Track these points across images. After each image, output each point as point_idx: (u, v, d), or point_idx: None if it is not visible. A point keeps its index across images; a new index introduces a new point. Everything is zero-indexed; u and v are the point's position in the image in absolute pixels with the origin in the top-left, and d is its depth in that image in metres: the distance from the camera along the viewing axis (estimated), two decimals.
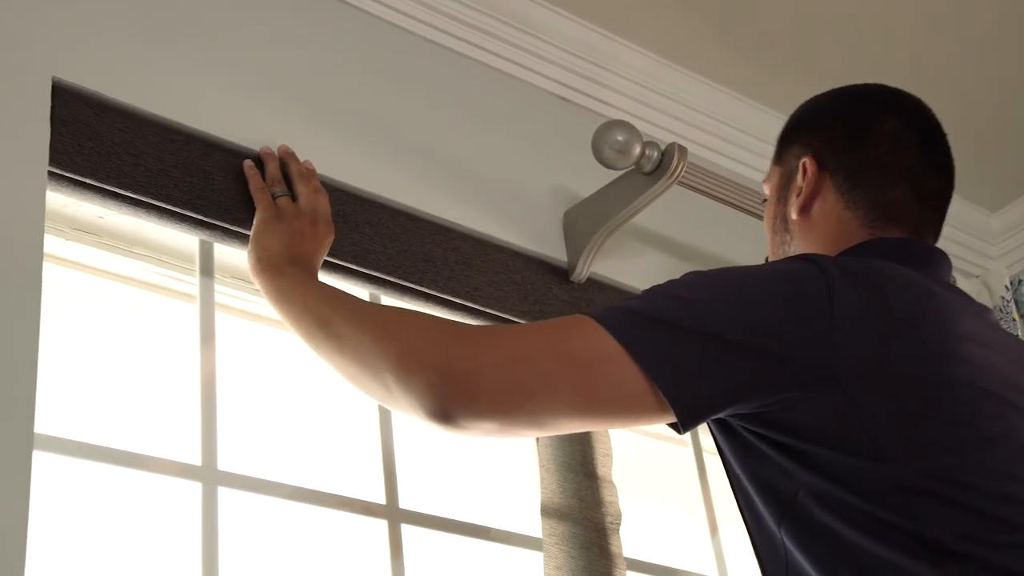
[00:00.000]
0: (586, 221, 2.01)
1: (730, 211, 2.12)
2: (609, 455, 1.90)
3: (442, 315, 1.82)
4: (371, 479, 1.78)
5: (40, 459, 1.39)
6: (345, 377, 1.30)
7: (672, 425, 1.19)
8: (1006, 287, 2.62)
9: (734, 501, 1.28)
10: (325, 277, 1.71)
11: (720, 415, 1.20)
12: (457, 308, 1.85)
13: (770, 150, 2.47)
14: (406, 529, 1.74)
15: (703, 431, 1.76)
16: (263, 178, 1.66)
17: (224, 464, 1.59)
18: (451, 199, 1.92)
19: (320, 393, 1.86)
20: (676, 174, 1.93)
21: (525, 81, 2.19)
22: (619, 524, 1.84)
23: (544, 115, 2.19)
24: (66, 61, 1.59)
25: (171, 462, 1.56)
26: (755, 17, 2.27)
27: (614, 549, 1.81)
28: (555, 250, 2.02)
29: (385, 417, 1.82)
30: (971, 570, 1.11)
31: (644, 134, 1.95)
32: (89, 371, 1.70)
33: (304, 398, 1.92)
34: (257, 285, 1.53)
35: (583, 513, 1.80)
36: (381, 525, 1.73)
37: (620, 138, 1.91)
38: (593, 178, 2.03)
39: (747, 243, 2.30)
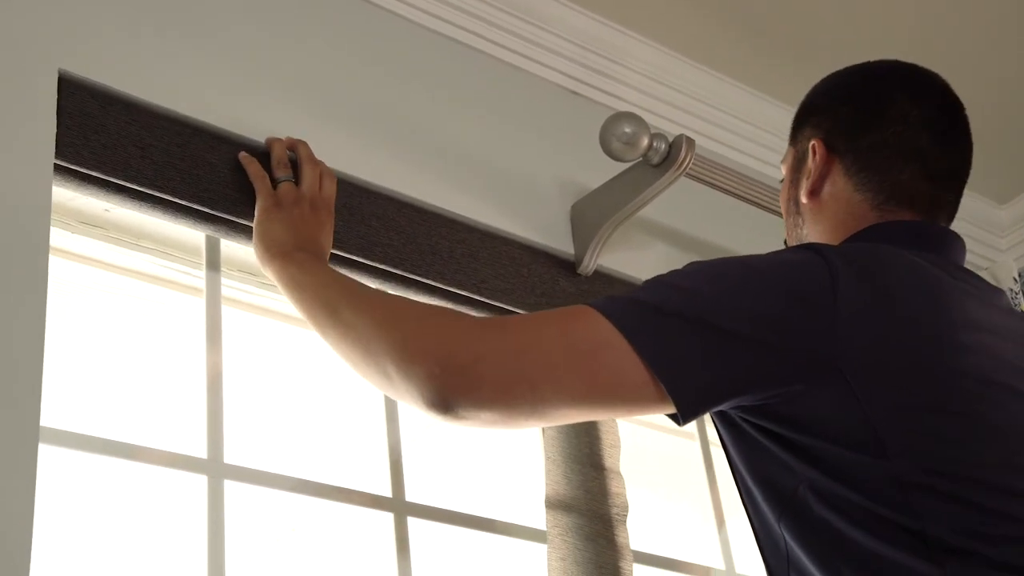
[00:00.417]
0: (593, 213, 2.01)
1: (738, 203, 2.11)
2: (616, 446, 1.89)
3: (449, 308, 1.82)
4: (377, 472, 1.78)
5: (46, 452, 1.39)
6: (349, 364, 1.30)
7: (672, 416, 1.18)
8: (1014, 279, 2.62)
9: (738, 495, 1.28)
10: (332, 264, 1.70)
11: (721, 407, 1.19)
12: (463, 300, 1.85)
13: (777, 142, 2.49)
14: (412, 522, 1.74)
15: (710, 424, 1.76)
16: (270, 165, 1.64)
17: (230, 457, 1.59)
18: (458, 191, 1.92)
19: (326, 386, 1.86)
20: (684, 166, 1.92)
21: (533, 74, 2.18)
22: (626, 515, 1.84)
23: (552, 107, 2.18)
24: (72, 54, 1.59)
25: (177, 455, 1.56)
26: (763, 10, 2.26)
27: (621, 540, 1.81)
28: (562, 243, 2.02)
29: (391, 410, 1.82)
30: (972, 567, 1.10)
31: (652, 126, 1.94)
32: (95, 365, 1.70)
33: (310, 391, 1.92)
34: (267, 274, 1.52)
35: (589, 504, 1.80)
36: (387, 518, 1.73)
37: (628, 130, 1.90)
38: (601, 170, 2.02)
39: (755, 235, 2.29)
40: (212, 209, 1.62)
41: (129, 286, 1.75)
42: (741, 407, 1.19)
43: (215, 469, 1.57)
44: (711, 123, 2.39)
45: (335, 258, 1.72)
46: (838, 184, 1.40)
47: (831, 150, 1.41)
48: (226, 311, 1.70)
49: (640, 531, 1.94)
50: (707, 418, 1.35)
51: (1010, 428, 1.17)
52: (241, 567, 1.61)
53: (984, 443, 1.16)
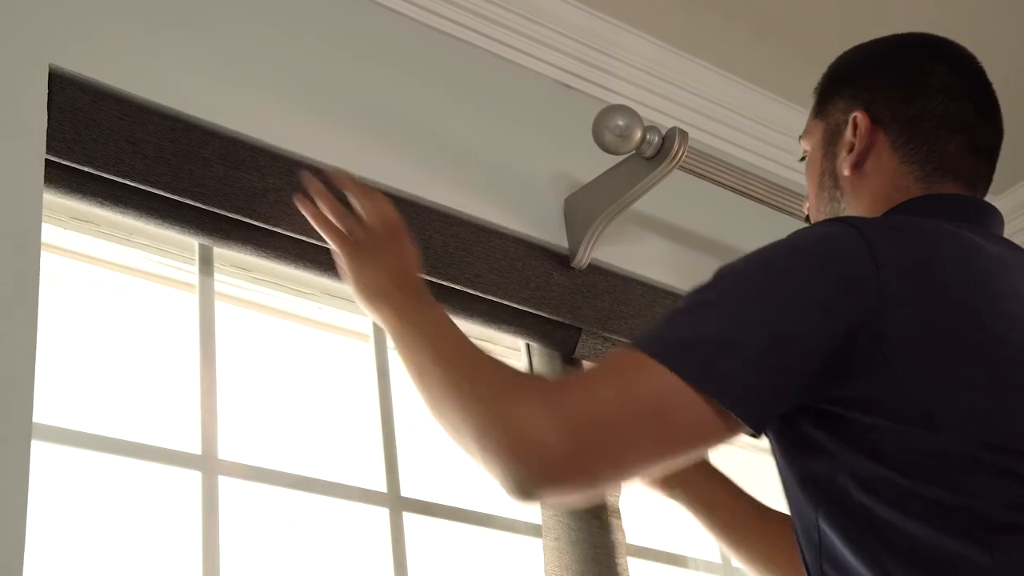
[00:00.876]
0: (587, 207, 2.00)
1: (732, 196, 2.11)
2: None
3: (442, 302, 1.82)
4: (372, 467, 1.78)
5: (39, 449, 1.39)
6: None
7: (748, 432, 1.17)
8: None
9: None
10: (324, 264, 1.70)
11: (789, 407, 1.17)
12: (457, 295, 1.84)
13: (771, 134, 2.49)
14: (407, 517, 1.74)
15: None
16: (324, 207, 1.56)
17: (224, 453, 1.59)
18: (452, 186, 1.91)
19: (320, 382, 1.86)
20: (677, 159, 1.92)
21: (525, 67, 2.18)
22: (618, 508, 1.84)
23: (545, 101, 2.18)
24: (63, 48, 1.58)
25: (171, 451, 1.56)
26: (757, 3, 2.26)
27: (616, 535, 1.80)
28: (556, 236, 2.01)
29: (386, 405, 1.81)
30: (1018, 543, 1.09)
31: (645, 119, 1.94)
32: (88, 360, 1.69)
33: (304, 387, 1.92)
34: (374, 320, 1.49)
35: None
36: (383, 513, 1.73)
37: (621, 123, 1.90)
38: (594, 164, 2.02)
39: (749, 227, 2.29)
40: (204, 204, 1.61)
41: (122, 282, 1.74)
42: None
43: (209, 465, 1.56)
44: (704, 116, 2.38)
45: (328, 253, 1.71)
46: (883, 156, 1.37)
47: (875, 120, 1.37)
48: (219, 306, 1.70)
49: (636, 524, 1.94)
50: None
51: None
52: (236, 563, 1.61)
53: None
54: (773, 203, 2.10)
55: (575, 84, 2.23)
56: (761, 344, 1.14)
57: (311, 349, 2.15)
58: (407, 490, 1.76)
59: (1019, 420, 1.14)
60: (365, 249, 1.51)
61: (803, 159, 1.49)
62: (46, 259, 1.51)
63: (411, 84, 1.98)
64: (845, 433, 1.15)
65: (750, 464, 1.88)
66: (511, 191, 2.00)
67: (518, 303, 1.89)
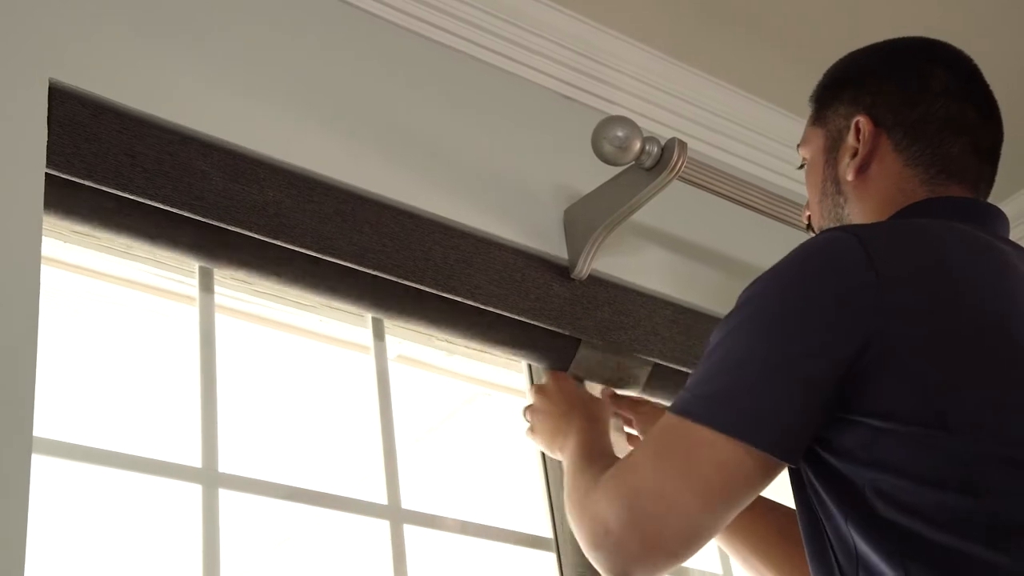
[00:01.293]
0: (587, 218, 2.00)
1: (731, 206, 2.11)
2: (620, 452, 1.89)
3: (442, 313, 1.82)
4: (373, 480, 1.78)
5: (39, 463, 1.39)
6: None
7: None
8: None
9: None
10: (323, 277, 1.71)
11: (818, 426, 1.19)
12: (457, 306, 1.84)
13: (771, 144, 2.49)
14: (408, 529, 1.73)
15: None
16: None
17: (225, 466, 1.58)
18: (451, 197, 1.92)
19: (321, 394, 1.86)
20: (676, 170, 1.92)
21: (525, 78, 2.18)
22: None
23: (544, 112, 2.18)
24: (63, 62, 1.58)
25: (172, 464, 1.56)
26: (756, 13, 2.26)
27: None
28: (556, 247, 2.01)
29: (386, 417, 1.81)
30: None
31: (644, 130, 1.94)
32: (88, 374, 1.69)
33: (305, 400, 1.92)
34: None
35: None
36: (383, 526, 1.72)
37: (620, 134, 1.90)
38: (594, 175, 2.02)
39: (748, 238, 2.29)
40: (204, 216, 1.61)
41: (122, 295, 1.75)
42: None
43: (210, 478, 1.56)
44: (704, 126, 2.39)
45: (327, 264, 1.72)
46: (887, 160, 1.37)
47: (878, 124, 1.37)
48: (220, 319, 1.70)
49: None
50: None
51: None
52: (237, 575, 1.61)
53: None
54: (772, 213, 2.10)
55: (574, 95, 2.24)
56: (784, 388, 1.17)
57: (312, 361, 2.15)
58: (408, 502, 1.76)
59: None
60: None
61: (802, 167, 1.48)
62: (46, 273, 1.51)
63: (411, 96, 1.98)
64: (863, 442, 1.16)
65: None
66: (511, 202, 2.00)
67: (518, 314, 1.89)
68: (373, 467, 1.79)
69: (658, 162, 1.92)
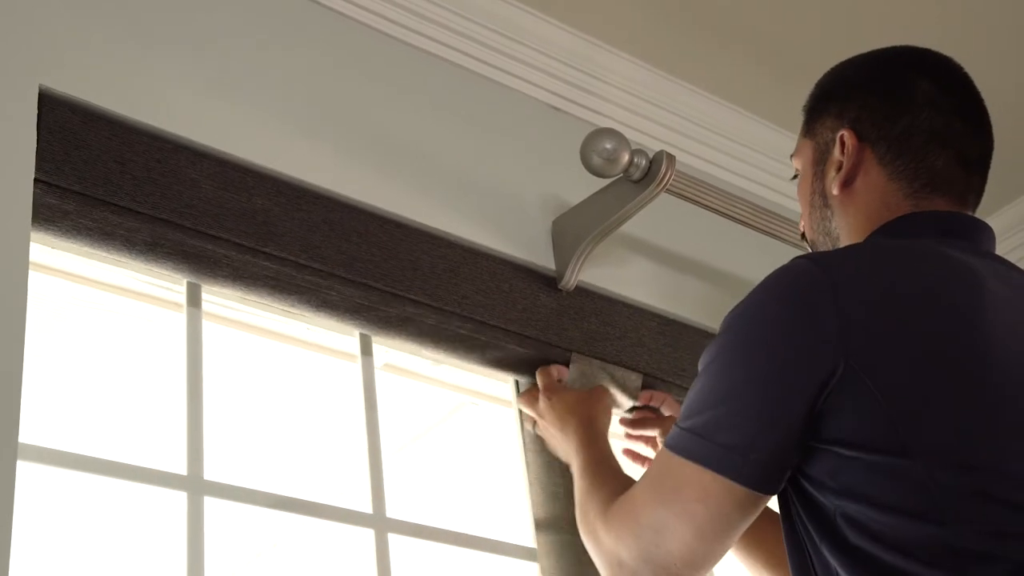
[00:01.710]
0: (574, 229, 2.01)
1: (719, 219, 2.12)
2: None
3: (430, 322, 1.82)
4: (358, 488, 1.78)
5: (24, 469, 1.39)
6: None
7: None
8: None
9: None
10: (311, 283, 1.71)
11: (795, 458, 1.21)
12: (445, 315, 1.85)
13: (759, 158, 2.50)
14: (393, 539, 1.74)
15: None
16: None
17: (210, 474, 1.58)
18: (439, 207, 1.92)
19: (307, 402, 1.86)
20: (664, 182, 1.93)
21: (514, 89, 2.19)
22: None
23: (533, 123, 2.19)
24: (53, 69, 1.59)
25: (157, 472, 1.56)
26: (745, 27, 2.27)
27: None
28: (543, 258, 2.02)
29: (372, 425, 1.81)
30: (995, 572, 1.09)
31: (633, 142, 1.95)
32: (75, 380, 1.69)
33: (291, 408, 1.92)
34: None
35: (574, 525, 1.79)
36: (368, 534, 1.72)
37: (608, 146, 1.90)
38: (582, 186, 2.02)
39: (735, 250, 2.30)
40: (193, 224, 1.62)
41: (109, 301, 1.74)
42: None
43: (195, 485, 1.56)
44: (692, 139, 2.39)
45: (316, 272, 1.72)
46: (871, 173, 1.37)
47: (862, 138, 1.37)
48: (207, 326, 1.70)
49: None
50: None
51: None
52: None
53: (1010, 437, 1.15)
54: (760, 226, 2.11)
55: (563, 107, 2.24)
56: (758, 422, 1.20)
57: (298, 369, 2.15)
58: (393, 511, 1.76)
59: (998, 442, 1.14)
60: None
61: (795, 178, 1.49)
62: (34, 278, 1.51)
63: (400, 105, 1.99)
64: (832, 470, 1.17)
65: None
66: (499, 213, 2.00)
67: (504, 324, 1.90)
68: (358, 476, 1.79)
69: (646, 174, 1.93)
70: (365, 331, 1.82)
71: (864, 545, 1.14)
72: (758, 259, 2.27)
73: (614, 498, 1.36)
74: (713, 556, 1.25)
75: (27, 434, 1.40)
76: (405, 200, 1.88)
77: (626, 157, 1.91)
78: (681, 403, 1.37)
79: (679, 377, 2.09)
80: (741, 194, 2.33)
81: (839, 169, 1.38)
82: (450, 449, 2.33)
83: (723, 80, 2.38)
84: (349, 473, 1.83)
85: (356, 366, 1.85)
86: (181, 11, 1.78)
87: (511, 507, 1.82)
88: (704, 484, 1.21)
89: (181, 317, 1.67)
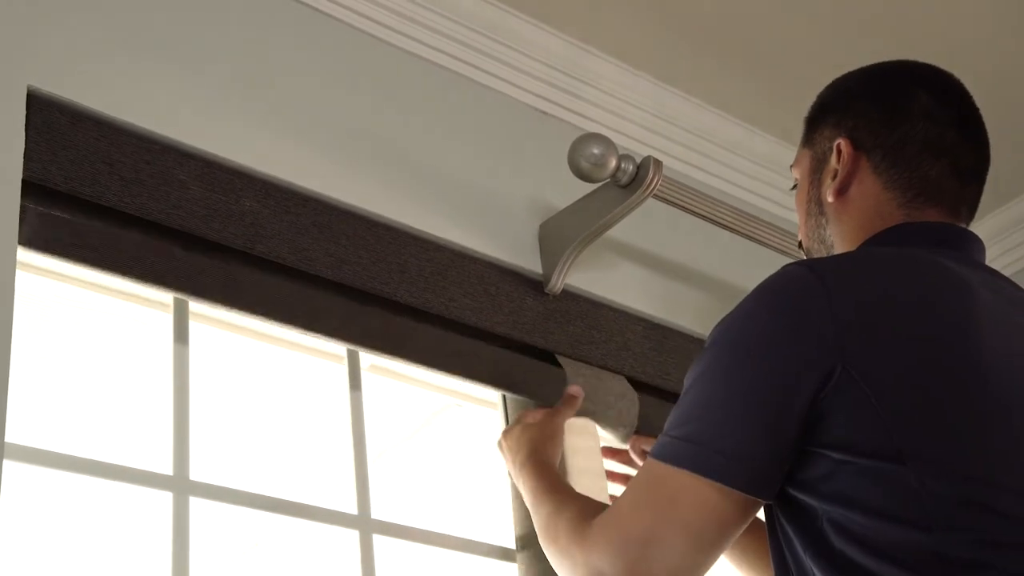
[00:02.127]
0: (561, 233, 2.02)
1: (705, 224, 2.13)
2: (586, 471, 1.89)
3: (416, 325, 1.83)
4: (343, 489, 1.78)
5: (10, 469, 1.39)
6: None
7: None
8: None
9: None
10: (301, 286, 1.72)
11: (789, 462, 1.21)
12: (432, 319, 1.85)
13: (746, 164, 2.51)
14: (378, 540, 1.74)
15: None
16: None
17: (196, 474, 1.59)
18: (428, 210, 1.93)
19: (293, 403, 1.86)
20: (651, 187, 1.94)
21: (502, 93, 2.19)
22: None
23: (521, 127, 2.19)
24: (41, 70, 1.59)
25: (143, 472, 1.56)
26: (734, 33, 2.28)
27: None
28: (530, 262, 2.03)
29: (358, 427, 1.82)
30: None
31: (620, 147, 1.95)
32: (61, 380, 1.69)
33: (277, 409, 1.92)
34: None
35: None
36: (353, 535, 1.73)
37: (596, 151, 1.91)
38: (569, 191, 2.03)
39: (721, 255, 2.31)
40: (181, 226, 1.62)
41: (96, 301, 1.75)
42: None
43: (181, 486, 1.57)
44: (680, 144, 2.40)
45: (303, 275, 1.72)
46: (866, 182, 1.38)
47: (858, 147, 1.39)
48: (193, 326, 1.70)
49: None
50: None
51: None
52: None
53: (1003, 445, 1.16)
54: (746, 232, 2.12)
55: (552, 111, 2.25)
56: (753, 427, 1.19)
57: (284, 370, 2.16)
58: (378, 512, 1.76)
59: (990, 450, 1.15)
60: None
61: (794, 188, 1.50)
62: (21, 277, 1.51)
63: (388, 108, 1.99)
64: (823, 475, 1.17)
65: None
66: (486, 216, 2.01)
67: (491, 327, 1.90)
68: (343, 477, 1.79)
69: (633, 180, 1.94)
70: (353, 347, 1.81)
71: (848, 550, 1.14)
72: (744, 264, 2.28)
73: (584, 517, 1.33)
74: (704, 566, 1.23)
75: (13, 433, 1.40)
76: (393, 203, 1.88)
77: (613, 162, 1.92)
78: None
79: (664, 381, 2.10)
80: (728, 200, 2.34)
81: (835, 177, 1.40)
82: (435, 450, 2.33)
83: (711, 86, 2.39)
84: (334, 474, 1.84)
85: (342, 367, 1.85)
86: (170, 13, 1.78)
87: (495, 509, 1.82)
88: (701, 492, 1.19)
89: (168, 317, 1.68)
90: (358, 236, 1.81)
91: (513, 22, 2.19)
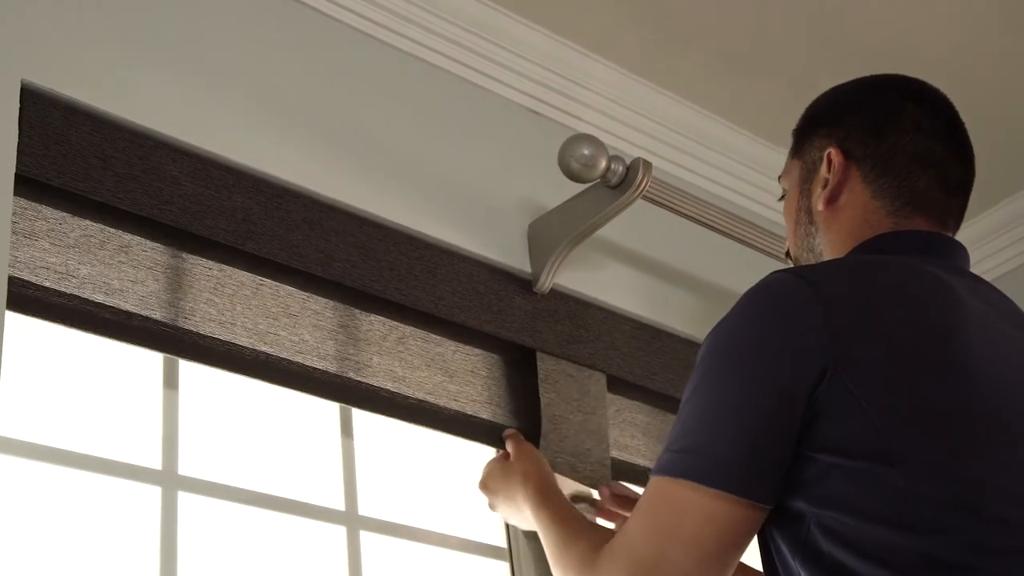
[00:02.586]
0: (550, 233, 2.03)
1: (693, 226, 2.14)
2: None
3: (403, 325, 1.84)
4: (330, 485, 1.79)
5: None
6: None
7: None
8: None
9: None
10: (290, 285, 1.72)
11: (787, 466, 1.21)
12: (421, 317, 1.86)
13: (735, 166, 2.52)
14: (365, 536, 1.75)
15: None
16: None
17: (184, 469, 1.59)
18: (417, 208, 1.93)
19: (281, 400, 1.87)
20: (641, 188, 1.95)
21: (493, 92, 2.20)
22: None
23: (512, 127, 2.20)
24: (35, 64, 1.59)
25: (131, 466, 1.57)
26: (725, 35, 2.29)
27: None
28: (519, 261, 2.03)
29: (346, 424, 1.83)
30: None
31: (610, 147, 1.96)
32: (50, 374, 1.70)
33: (265, 405, 1.92)
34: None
35: None
36: (340, 531, 1.74)
37: (586, 152, 1.92)
38: (559, 190, 2.04)
39: (710, 257, 2.32)
40: (173, 222, 1.63)
41: None
42: None
43: (169, 480, 1.57)
44: (669, 146, 2.41)
45: (293, 272, 1.73)
46: (855, 191, 1.40)
47: (848, 157, 1.41)
48: None
49: None
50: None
51: (1018, 433, 1.19)
52: None
53: (993, 449, 1.17)
54: (735, 234, 2.13)
55: (542, 111, 2.26)
56: (753, 434, 1.19)
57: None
58: (365, 509, 1.77)
59: (978, 453, 1.17)
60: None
61: (782, 198, 1.52)
62: None
63: (380, 106, 2.00)
64: (814, 478, 1.18)
65: None
66: (476, 215, 2.02)
67: (479, 326, 1.91)
68: (331, 473, 1.80)
69: (623, 180, 1.95)
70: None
71: (836, 553, 1.15)
72: (732, 266, 2.29)
73: (594, 546, 1.33)
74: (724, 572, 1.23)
75: (1, 427, 1.40)
76: (384, 201, 1.89)
77: (603, 163, 1.93)
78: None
79: (650, 381, 2.12)
80: (716, 202, 2.35)
81: (825, 186, 1.41)
82: (423, 447, 2.34)
83: (701, 88, 2.39)
84: (322, 470, 1.84)
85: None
86: (165, 9, 1.79)
87: (483, 506, 1.83)
88: (705, 505, 1.19)
89: None
90: (348, 233, 1.82)
91: (504, 22, 2.19)
